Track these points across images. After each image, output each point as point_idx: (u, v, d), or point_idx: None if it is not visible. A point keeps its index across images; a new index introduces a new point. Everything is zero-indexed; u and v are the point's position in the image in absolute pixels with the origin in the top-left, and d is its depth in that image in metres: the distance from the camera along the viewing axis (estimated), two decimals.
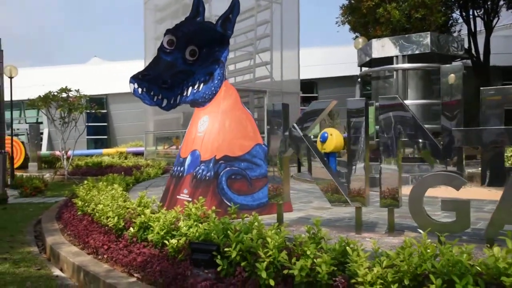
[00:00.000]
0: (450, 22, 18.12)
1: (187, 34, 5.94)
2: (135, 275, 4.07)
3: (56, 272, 4.74)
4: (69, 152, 15.83)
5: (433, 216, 4.17)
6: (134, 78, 6.23)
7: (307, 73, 24.90)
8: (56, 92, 15.28)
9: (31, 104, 15.79)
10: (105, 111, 28.81)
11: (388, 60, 9.94)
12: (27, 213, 8.80)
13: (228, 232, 3.66)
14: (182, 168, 6.06)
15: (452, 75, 3.87)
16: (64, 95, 15.31)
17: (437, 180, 3.91)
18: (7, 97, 14.34)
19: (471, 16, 19.46)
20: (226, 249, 3.50)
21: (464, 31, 19.86)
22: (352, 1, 14.85)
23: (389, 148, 4.00)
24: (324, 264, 3.02)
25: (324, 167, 4.29)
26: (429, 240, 2.89)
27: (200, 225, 4.12)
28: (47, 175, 16.44)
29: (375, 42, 10.05)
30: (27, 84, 26.99)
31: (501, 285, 2.39)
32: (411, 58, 9.80)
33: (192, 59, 6.17)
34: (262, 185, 5.81)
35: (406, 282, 2.70)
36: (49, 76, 27.58)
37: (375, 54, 10.02)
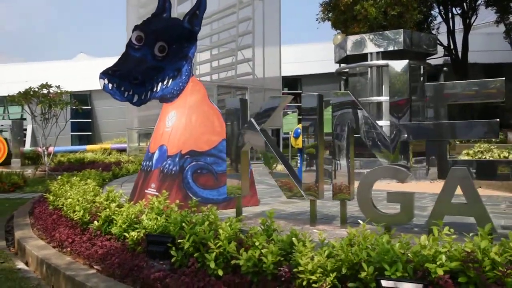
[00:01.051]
0: (429, 19, 18.39)
1: (155, 30, 5.99)
2: (95, 267, 4.14)
3: (20, 265, 4.79)
4: (50, 148, 15.76)
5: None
6: (104, 74, 6.27)
7: (291, 70, 25.04)
8: (37, 88, 15.19)
9: (12, 100, 15.68)
10: (89, 107, 28.67)
11: (364, 57, 10.08)
12: (2, 209, 8.79)
13: (183, 224, 3.75)
14: (150, 163, 6.13)
15: (398, 72, 4.00)
16: (44, 91, 15.21)
17: (383, 173, 4.03)
18: None
19: (450, 14, 19.75)
20: (179, 241, 3.59)
21: (444, 28, 20.15)
22: None
23: (341, 143, 4.11)
24: (270, 255, 3.12)
25: (281, 162, 4.40)
26: (368, 231, 3.01)
27: (159, 218, 4.20)
28: (29, 171, 16.38)
29: (350, 39, 10.18)
30: (12, 80, 26.80)
31: (427, 271, 2.51)
32: (387, 55, 9.93)
33: (161, 55, 6.23)
34: None
35: (344, 270, 2.81)
36: (35, 72, 27.38)
37: (350, 51, 10.16)
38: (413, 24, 13.49)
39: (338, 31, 16.99)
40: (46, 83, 15.17)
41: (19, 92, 15.31)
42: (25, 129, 26.68)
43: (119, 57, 6.19)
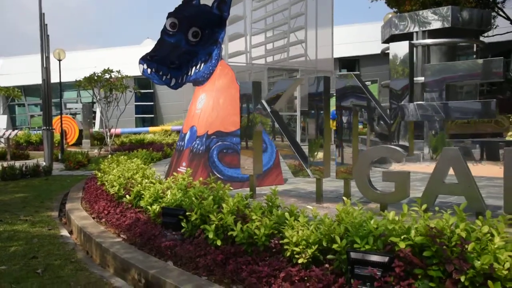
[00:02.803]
0: None
1: (188, 17, 6.30)
2: (122, 236, 4.59)
3: (63, 232, 5.38)
4: (112, 130, 16.84)
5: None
6: (143, 59, 6.71)
7: (347, 51, 24.57)
8: (100, 73, 16.25)
9: (78, 84, 16.88)
10: (151, 90, 30.00)
11: (410, 36, 9.79)
12: (64, 184, 9.68)
13: (193, 199, 4.06)
14: (182, 143, 6.52)
15: (398, 54, 3.97)
16: (107, 76, 16.25)
17: (379, 153, 4.06)
18: (56, 79, 15.49)
19: None
20: (187, 213, 3.91)
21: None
22: None
23: (346, 125, 4.18)
24: (263, 227, 3.35)
25: (289, 143, 4.55)
26: (352, 207, 3.14)
27: (176, 193, 4.54)
28: (95, 151, 17.67)
29: (394, 18, 9.90)
30: (83, 65, 28.64)
31: (394, 243, 2.62)
32: (434, 33, 9.58)
33: (195, 40, 6.54)
34: None
35: (324, 243, 2.98)
36: (104, 58, 29.05)
37: (395, 30, 9.89)
38: (471, 0, 12.75)
39: (394, 9, 16.42)
40: (108, 68, 16.18)
41: (85, 77, 16.46)
42: (95, 112, 28.53)
43: (156, 43, 6.59)
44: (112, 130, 16.92)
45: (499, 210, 4.12)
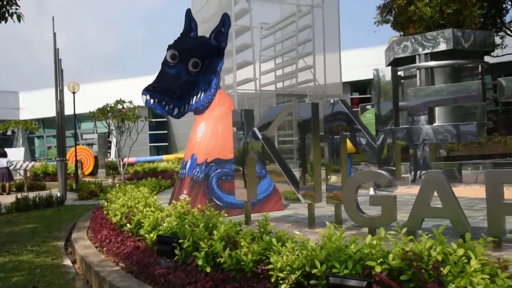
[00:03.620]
0: (501, 13, 17.05)
1: (187, 48, 6.50)
2: (121, 264, 4.65)
3: (66, 262, 5.47)
4: (125, 159, 17.11)
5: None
6: (146, 90, 6.89)
7: (359, 74, 24.69)
8: (113, 104, 16.65)
9: (92, 116, 17.30)
10: (165, 119, 30.46)
11: (413, 59, 9.86)
12: (75, 213, 9.84)
13: (186, 226, 4.13)
14: (184, 171, 6.63)
15: (385, 78, 4.03)
16: (119, 106, 16.64)
17: (365, 178, 4.07)
18: (70, 111, 15.91)
19: None
20: (180, 241, 3.97)
21: None
22: (388, 0, 14.71)
23: (333, 150, 4.23)
24: (250, 254, 3.39)
25: (280, 169, 4.61)
26: (335, 232, 3.16)
27: (172, 221, 4.61)
28: (109, 180, 17.93)
29: (397, 41, 10.01)
30: (99, 97, 29.33)
31: (372, 268, 2.63)
32: (437, 56, 9.63)
33: (195, 71, 6.72)
34: None
35: (307, 268, 3.00)
36: (119, 89, 29.68)
37: (398, 54, 9.98)
38: (477, 21, 12.79)
39: (401, 33, 16.56)
40: (121, 99, 16.59)
41: (98, 108, 16.88)
42: (110, 142, 29.05)
43: (157, 74, 6.78)
44: (125, 159, 17.20)
45: None
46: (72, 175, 17.14)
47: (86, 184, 14.17)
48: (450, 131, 3.65)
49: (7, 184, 15.71)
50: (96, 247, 5.61)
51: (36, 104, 36.01)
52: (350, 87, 27.42)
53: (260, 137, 4.77)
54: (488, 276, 2.34)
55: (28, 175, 17.44)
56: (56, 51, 13.86)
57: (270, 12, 19.20)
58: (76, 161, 16.96)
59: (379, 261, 2.57)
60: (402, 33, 16.50)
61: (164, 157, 25.12)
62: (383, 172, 3.89)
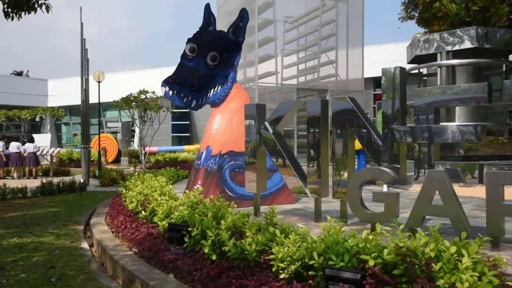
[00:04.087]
0: None
1: (206, 42, 6.63)
2: (134, 249, 4.85)
3: (84, 245, 5.72)
4: (147, 148, 17.46)
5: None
6: (165, 82, 7.07)
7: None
8: (136, 94, 16.99)
9: (115, 105, 17.68)
10: (187, 110, 30.78)
11: (434, 57, 9.74)
12: (96, 199, 10.16)
13: (196, 215, 4.28)
14: (199, 162, 6.79)
15: (388, 77, 4.06)
16: (142, 96, 16.96)
17: (368, 174, 4.13)
18: (95, 100, 16.32)
19: None
20: (189, 229, 4.13)
21: None
22: None
23: (340, 145, 4.30)
24: (254, 244, 3.52)
25: (289, 163, 4.71)
26: (335, 226, 3.26)
27: (184, 209, 4.78)
28: (131, 168, 18.33)
29: (419, 39, 9.90)
30: (124, 86, 29.87)
31: (366, 261, 2.72)
32: (460, 54, 9.49)
33: (213, 64, 6.85)
34: None
35: (307, 259, 3.11)
36: (145, 79, 30.14)
37: (419, 51, 9.87)
38: (505, 19, 12.51)
39: (425, 29, 16.32)
40: (144, 89, 16.90)
41: (122, 98, 17.24)
42: (134, 131, 29.58)
43: (176, 66, 6.94)
44: (147, 148, 17.55)
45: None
46: (95, 162, 17.60)
47: (108, 172, 14.54)
48: (455, 132, 3.66)
49: (33, 169, 16.26)
50: (113, 232, 5.84)
51: (64, 92, 36.88)
52: (373, 83, 27.12)
53: (271, 131, 4.88)
54: (477, 274, 2.40)
55: (54, 160, 17.97)
56: (82, 41, 14.22)
57: (294, 5, 19.15)
58: (100, 148, 17.39)
59: (373, 255, 2.66)
60: (427, 30, 16.27)
61: (186, 147, 25.48)
62: (386, 169, 3.95)
